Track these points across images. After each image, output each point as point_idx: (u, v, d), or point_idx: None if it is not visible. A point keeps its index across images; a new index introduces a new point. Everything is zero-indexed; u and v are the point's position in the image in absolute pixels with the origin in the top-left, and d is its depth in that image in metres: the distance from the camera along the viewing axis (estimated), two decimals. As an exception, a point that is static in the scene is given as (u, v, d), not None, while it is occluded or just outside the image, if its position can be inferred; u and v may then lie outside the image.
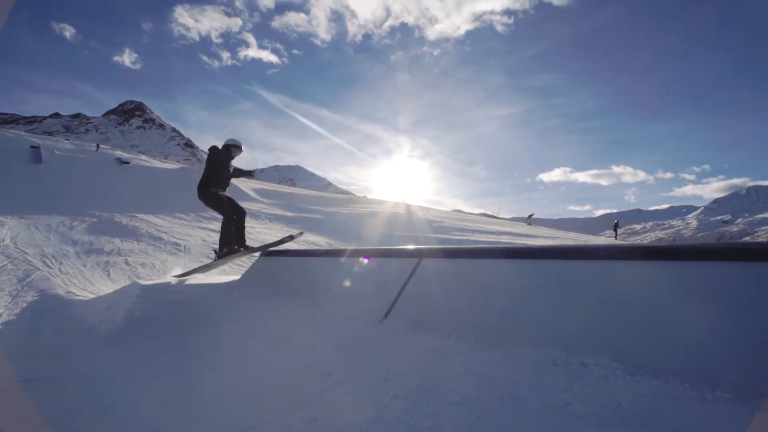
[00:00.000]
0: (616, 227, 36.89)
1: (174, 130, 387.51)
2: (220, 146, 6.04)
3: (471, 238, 15.58)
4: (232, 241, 5.86)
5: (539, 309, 2.33)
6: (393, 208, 25.71)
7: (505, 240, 15.00)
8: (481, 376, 1.97)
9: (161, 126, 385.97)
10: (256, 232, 14.22)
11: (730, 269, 1.83)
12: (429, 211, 30.11)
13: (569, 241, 16.81)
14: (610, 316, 2.05)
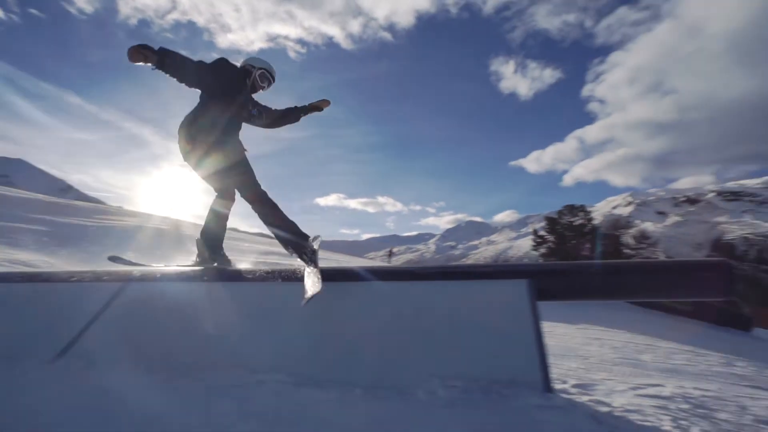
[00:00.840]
0: (390, 254, 43.75)
1: None
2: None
3: (237, 258, 14.93)
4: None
5: (235, 333, 2.40)
6: (158, 223, 22.28)
7: (272, 260, 15.11)
8: (154, 410, 1.87)
9: None
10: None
11: (383, 287, 2.37)
12: (201, 228, 27.38)
13: (335, 263, 18.29)
14: (291, 334, 2.30)
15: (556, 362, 4.24)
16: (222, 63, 3.16)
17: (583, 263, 2.55)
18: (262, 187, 3.14)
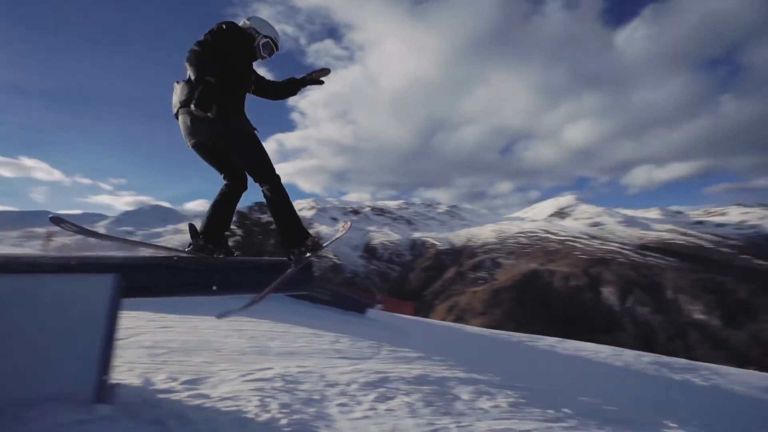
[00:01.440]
0: (48, 236, 32.39)
1: None
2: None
3: None
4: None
5: None
6: None
7: None
8: None
9: None
10: None
11: None
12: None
13: None
14: None
15: (182, 358, 4.14)
16: (236, 31, 2.81)
17: (177, 258, 2.54)
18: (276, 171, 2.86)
